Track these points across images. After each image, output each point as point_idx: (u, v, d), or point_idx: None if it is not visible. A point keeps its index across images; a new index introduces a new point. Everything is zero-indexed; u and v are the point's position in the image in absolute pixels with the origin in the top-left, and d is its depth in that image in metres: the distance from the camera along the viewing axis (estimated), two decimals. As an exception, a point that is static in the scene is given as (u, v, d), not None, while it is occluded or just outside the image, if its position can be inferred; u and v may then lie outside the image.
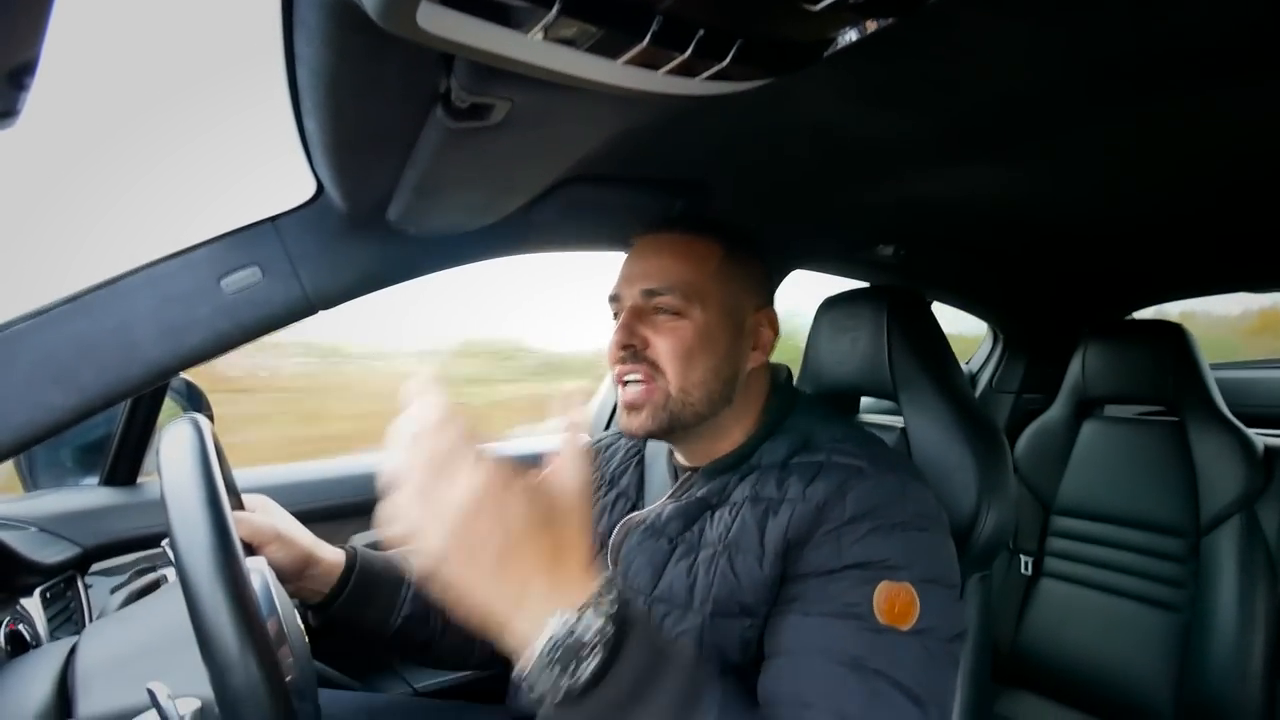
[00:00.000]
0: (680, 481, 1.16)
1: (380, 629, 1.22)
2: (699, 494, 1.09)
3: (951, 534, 1.03)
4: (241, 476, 1.22)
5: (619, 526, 1.16)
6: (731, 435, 1.13)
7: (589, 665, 0.63)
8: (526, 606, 0.64)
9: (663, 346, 1.06)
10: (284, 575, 1.11)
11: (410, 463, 0.65)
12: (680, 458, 1.18)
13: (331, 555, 1.19)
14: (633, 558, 1.10)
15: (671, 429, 1.08)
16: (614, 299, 1.13)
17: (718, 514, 1.05)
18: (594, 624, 0.64)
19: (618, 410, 1.12)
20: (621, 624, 0.66)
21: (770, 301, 1.17)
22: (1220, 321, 4.47)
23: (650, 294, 1.08)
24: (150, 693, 0.70)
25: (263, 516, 1.13)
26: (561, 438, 0.74)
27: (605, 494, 1.27)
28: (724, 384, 1.08)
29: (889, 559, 0.91)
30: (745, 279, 1.12)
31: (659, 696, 0.67)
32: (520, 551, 0.65)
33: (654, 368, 1.06)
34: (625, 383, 1.09)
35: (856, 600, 0.89)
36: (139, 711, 0.74)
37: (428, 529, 0.63)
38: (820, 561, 0.93)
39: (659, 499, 1.17)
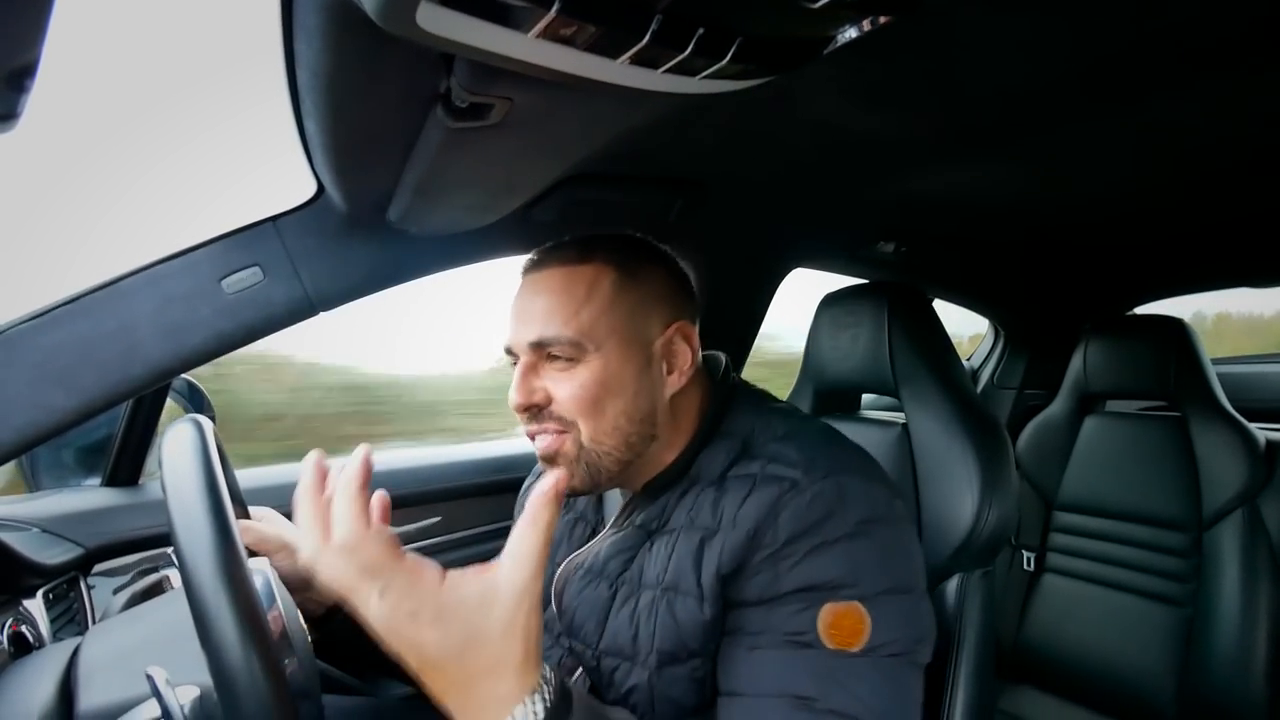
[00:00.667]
0: (621, 507, 1.11)
1: (381, 644, 1.21)
2: (638, 520, 1.05)
3: (953, 531, 1.01)
4: (245, 476, 1.22)
5: (559, 574, 1.12)
6: (666, 454, 1.06)
7: None
8: (453, 716, 0.68)
9: (564, 398, 0.97)
10: (288, 586, 1.10)
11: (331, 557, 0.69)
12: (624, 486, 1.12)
13: None
14: (575, 605, 1.06)
15: (595, 483, 1.01)
16: (508, 351, 1.04)
17: (655, 546, 1.00)
18: None
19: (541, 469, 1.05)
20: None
21: (684, 312, 1.06)
22: (1256, 321, 4.45)
23: (539, 345, 0.98)
24: (149, 678, 0.71)
25: (269, 526, 1.11)
26: (520, 532, 0.71)
27: (563, 516, 1.21)
28: (640, 424, 1.00)
29: (831, 579, 0.86)
30: (645, 299, 1.02)
31: None
32: (433, 673, 0.69)
33: (561, 420, 0.98)
34: (536, 439, 1.01)
35: (802, 628, 0.85)
36: (139, 702, 0.74)
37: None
38: (759, 590, 0.89)
39: (609, 523, 1.13)
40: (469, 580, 0.69)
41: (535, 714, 0.67)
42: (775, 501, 0.90)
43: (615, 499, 1.16)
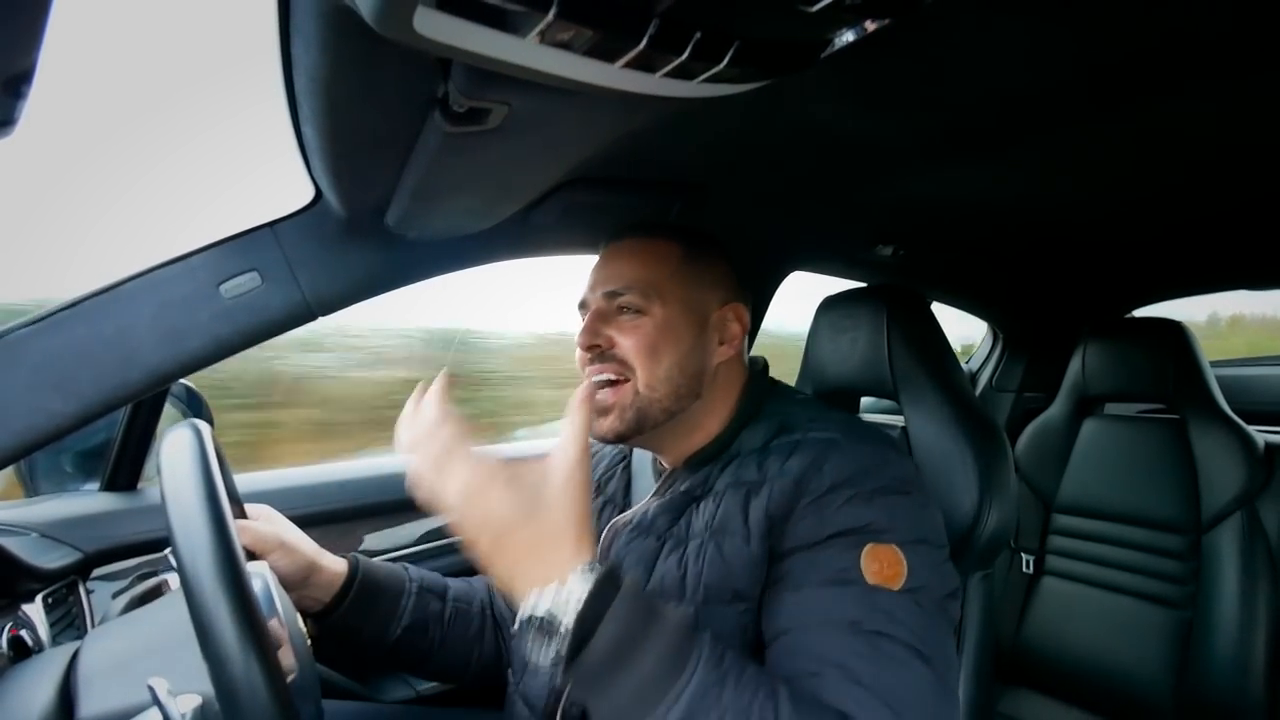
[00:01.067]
0: (663, 479, 1.17)
1: (380, 639, 1.22)
2: (682, 488, 1.10)
3: (953, 533, 1.03)
4: (246, 480, 1.22)
5: (605, 530, 1.17)
6: (707, 427, 1.13)
7: (566, 637, 0.73)
8: (517, 585, 0.76)
9: (627, 344, 1.07)
10: (287, 583, 1.11)
11: (415, 460, 0.79)
12: (662, 460, 1.19)
13: (334, 564, 1.19)
14: (622, 557, 1.10)
15: (640, 428, 1.09)
16: (582, 305, 1.15)
17: (702, 504, 1.06)
18: (573, 597, 0.74)
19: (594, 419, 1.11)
20: (599, 597, 0.74)
21: (739, 297, 1.17)
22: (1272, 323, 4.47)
23: (612, 295, 1.10)
24: (150, 689, 0.71)
25: (266, 525, 1.13)
26: (565, 424, 0.82)
27: (592, 500, 1.25)
28: (690, 378, 1.09)
29: (872, 523, 0.92)
30: (706, 276, 1.13)
31: (643, 659, 0.74)
32: (504, 540, 0.77)
33: (622, 364, 1.08)
34: (597, 385, 1.09)
35: (844, 566, 0.90)
36: (140, 710, 0.74)
37: (439, 508, 0.78)
38: (804, 534, 0.94)
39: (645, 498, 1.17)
40: (529, 462, 0.81)
41: (589, 581, 0.75)
42: (819, 455, 0.98)
43: (644, 483, 1.24)
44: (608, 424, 1.09)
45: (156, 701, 0.70)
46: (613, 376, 1.08)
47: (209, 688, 0.67)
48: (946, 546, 0.99)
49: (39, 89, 0.66)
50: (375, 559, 1.28)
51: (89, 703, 0.80)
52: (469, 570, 1.71)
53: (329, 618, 1.18)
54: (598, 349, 1.08)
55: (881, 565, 0.89)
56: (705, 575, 0.98)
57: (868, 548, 0.90)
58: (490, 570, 0.78)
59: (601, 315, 1.10)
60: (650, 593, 1.02)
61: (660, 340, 1.07)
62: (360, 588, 1.20)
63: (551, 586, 0.75)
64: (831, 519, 0.93)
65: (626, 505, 1.23)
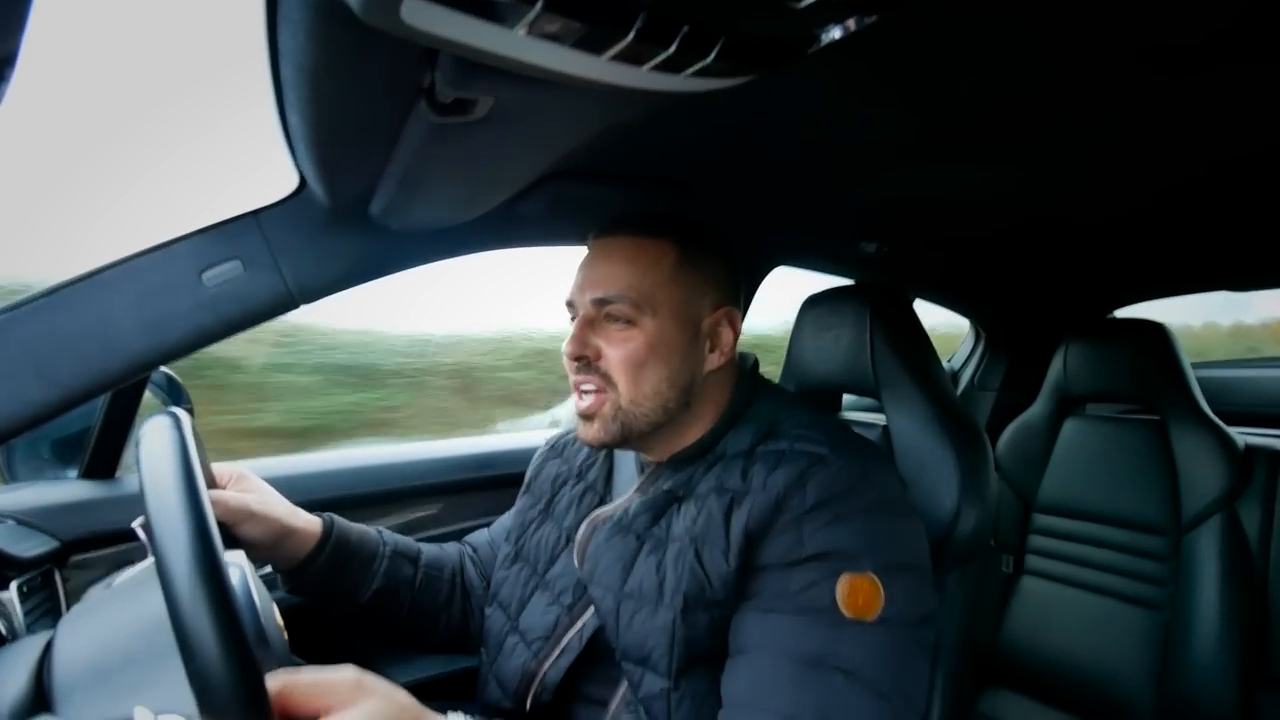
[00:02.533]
0: (645, 475, 1.17)
1: (351, 600, 1.22)
2: (665, 486, 1.09)
3: (932, 532, 1.03)
4: (255, 467, 1.22)
5: (585, 523, 1.16)
6: (694, 429, 1.13)
7: None
8: None
9: (614, 357, 1.05)
10: (258, 549, 1.12)
11: None
12: (645, 455, 1.19)
13: (308, 525, 1.18)
14: (600, 555, 1.09)
15: (625, 439, 1.08)
16: (569, 305, 1.12)
17: (684, 506, 1.05)
18: None
19: (577, 423, 1.12)
20: None
21: (733, 300, 1.15)
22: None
23: (601, 303, 1.06)
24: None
25: (234, 495, 1.11)
26: None
27: (573, 487, 1.28)
28: (679, 391, 1.07)
29: (849, 548, 0.91)
30: (702, 280, 1.10)
31: None
32: None
33: (605, 379, 1.06)
34: (580, 391, 1.09)
35: (818, 595, 0.90)
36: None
37: None
38: (780, 553, 0.93)
39: (627, 492, 1.17)
40: None
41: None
42: (803, 471, 0.96)
43: (625, 472, 1.23)
44: (592, 432, 1.08)
45: None
46: (594, 388, 1.07)
47: (192, 707, 0.67)
48: (928, 565, 0.99)
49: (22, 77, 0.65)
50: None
51: (62, 676, 0.79)
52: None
53: (300, 576, 1.18)
54: (584, 359, 1.06)
55: (857, 595, 0.89)
56: (685, 585, 0.97)
57: (844, 576, 0.90)
58: None
59: (589, 322, 1.07)
60: (626, 594, 1.03)
61: (649, 355, 1.05)
62: (334, 548, 1.19)
63: None
64: (810, 540, 0.92)
65: (607, 492, 1.23)
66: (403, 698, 0.78)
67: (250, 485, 1.16)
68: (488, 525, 1.45)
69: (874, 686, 0.85)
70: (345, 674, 0.77)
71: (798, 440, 1.02)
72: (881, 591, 0.89)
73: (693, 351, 1.08)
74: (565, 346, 1.07)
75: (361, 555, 1.23)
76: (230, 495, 1.11)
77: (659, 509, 1.07)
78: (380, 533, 1.30)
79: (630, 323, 1.05)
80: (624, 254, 1.08)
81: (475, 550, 1.40)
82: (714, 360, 1.11)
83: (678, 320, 1.07)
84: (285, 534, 1.15)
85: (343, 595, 1.22)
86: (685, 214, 1.16)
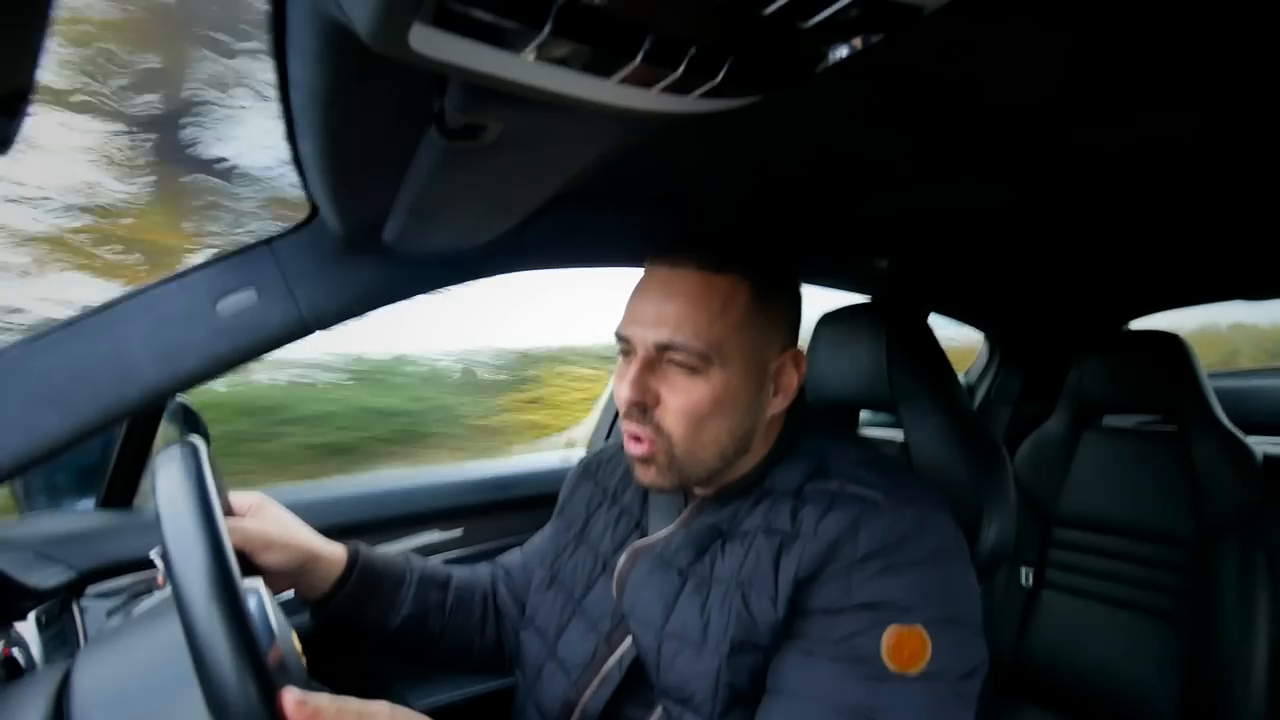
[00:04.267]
0: (690, 508, 1.12)
1: (380, 627, 1.22)
2: (710, 521, 1.06)
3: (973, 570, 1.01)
4: (275, 494, 1.23)
5: (627, 553, 1.12)
6: (743, 466, 1.07)
7: None
8: None
9: (674, 406, 0.98)
10: (281, 576, 1.11)
11: None
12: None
13: (333, 553, 1.18)
14: (641, 589, 1.06)
15: (682, 484, 1.04)
16: (622, 339, 1.04)
17: (729, 545, 1.01)
18: None
19: (630, 460, 1.06)
20: None
21: (796, 339, 1.08)
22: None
23: (664, 347, 0.98)
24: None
25: (254, 522, 1.11)
26: None
27: (607, 510, 1.24)
28: (739, 440, 1.02)
29: (900, 600, 0.88)
30: (773, 322, 1.03)
31: None
32: None
33: (658, 430, 0.99)
34: (631, 438, 1.02)
35: (863, 645, 0.86)
36: None
37: None
38: (828, 599, 0.90)
39: (663, 517, 1.15)
40: None
41: None
42: (857, 518, 0.92)
43: (663, 501, 1.17)
44: (650, 476, 1.02)
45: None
46: (646, 439, 1.00)
47: None
48: (979, 618, 0.95)
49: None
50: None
51: (80, 712, 0.79)
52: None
53: (327, 605, 1.17)
54: (641, 405, 0.99)
55: (903, 649, 0.86)
56: (731, 629, 0.93)
57: (891, 628, 0.86)
58: None
59: (650, 365, 0.99)
60: (668, 634, 1.00)
61: (713, 409, 0.98)
62: (360, 575, 1.19)
63: None
64: (859, 589, 0.89)
65: (643, 516, 1.19)
66: None
67: (270, 514, 1.15)
68: (508, 548, 1.45)
69: None
70: (378, 706, 0.76)
71: (849, 482, 0.98)
72: (929, 645, 0.86)
73: (757, 400, 1.02)
74: (622, 390, 0.99)
75: (388, 581, 1.23)
76: (249, 523, 1.10)
77: (702, 545, 1.04)
78: (407, 558, 1.29)
79: (695, 371, 0.97)
80: (691, 292, 0.98)
81: (508, 572, 1.38)
82: (777, 404, 1.06)
83: (746, 368, 1.00)
84: (309, 561, 1.14)
85: (372, 622, 1.21)
86: (755, 241, 1.08)
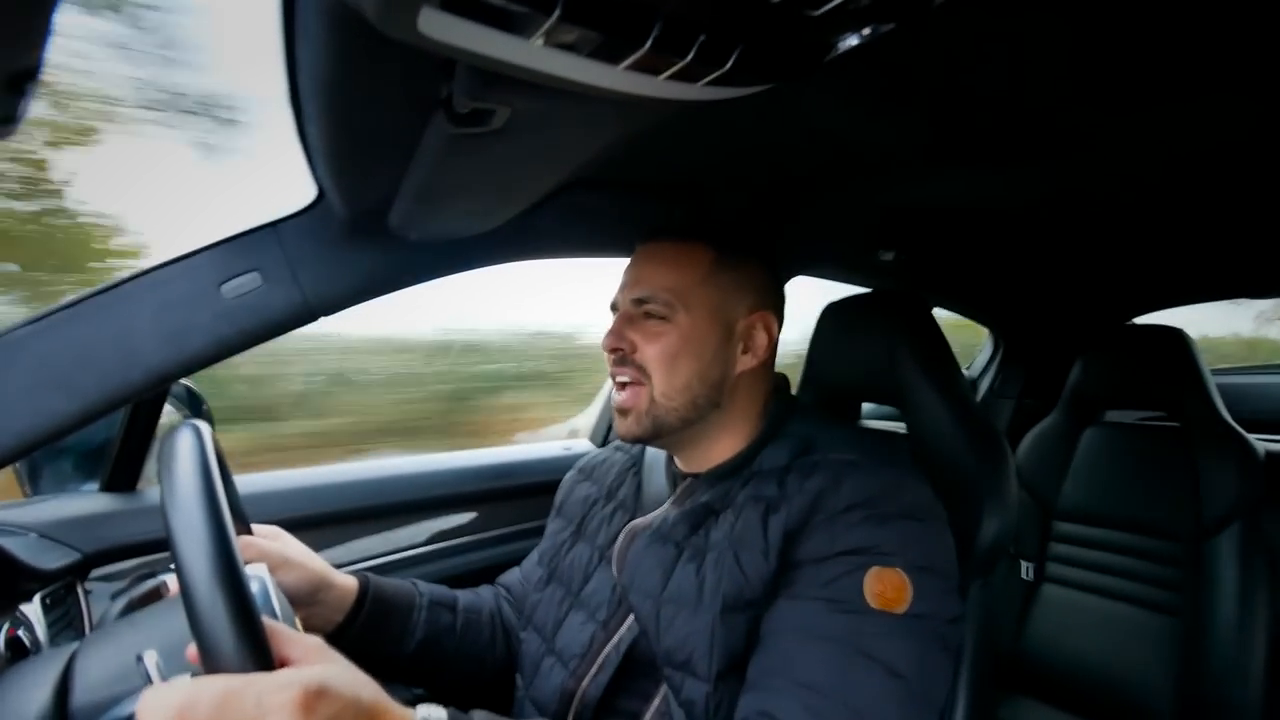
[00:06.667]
0: (682, 488, 1.18)
1: (395, 655, 1.22)
2: (703, 499, 1.10)
3: (954, 540, 1.03)
4: (244, 481, 1.22)
5: (624, 532, 1.18)
6: (729, 441, 1.15)
7: None
8: None
9: (648, 351, 1.10)
10: (295, 600, 1.10)
11: None
12: (680, 464, 1.20)
13: (345, 582, 1.18)
14: (639, 562, 1.11)
15: (658, 432, 1.12)
16: (613, 307, 1.18)
17: (722, 517, 1.06)
18: None
19: (614, 419, 1.16)
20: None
21: (771, 305, 1.18)
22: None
23: (639, 301, 1.12)
24: (139, 658, 0.70)
25: (269, 542, 1.12)
26: None
27: (604, 507, 1.30)
28: (709, 388, 1.11)
29: (881, 545, 0.93)
30: (737, 283, 1.14)
31: None
32: None
33: (640, 370, 1.10)
34: (618, 385, 1.13)
35: (847, 585, 0.92)
36: (133, 692, 0.74)
37: None
38: (814, 549, 0.96)
39: (657, 505, 1.19)
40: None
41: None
42: (838, 474, 1.01)
43: (655, 487, 1.25)
44: (626, 426, 1.13)
45: (148, 676, 0.70)
46: (630, 379, 1.11)
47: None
48: (955, 576, 1.00)
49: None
50: (384, 574, 1.28)
51: (83, 694, 0.80)
52: (471, 572, 1.70)
53: (343, 637, 1.17)
54: (620, 352, 1.11)
55: (885, 588, 0.91)
56: (724, 586, 0.99)
57: (873, 570, 0.92)
58: None
59: (627, 319, 1.13)
60: (666, 599, 1.04)
61: (681, 349, 1.09)
62: (372, 605, 1.19)
63: None
64: (842, 537, 0.95)
65: (637, 508, 1.24)
66: (365, 676, 0.75)
67: (287, 539, 1.16)
68: (521, 532, 1.47)
69: (890, 667, 0.87)
70: (312, 637, 0.76)
71: (832, 450, 1.06)
72: (909, 587, 0.91)
73: (725, 350, 1.12)
74: (604, 341, 1.13)
75: (400, 608, 1.23)
76: (265, 541, 1.11)
77: (697, 520, 1.09)
78: (415, 584, 1.30)
79: (664, 319, 1.10)
80: (663, 257, 1.14)
81: (509, 590, 1.41)
82: (746, 361, 1.14)
83: (711, 319, 1.11)
84: (323, 586, 1.14)
85: (388, 649, 1.22)
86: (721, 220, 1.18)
